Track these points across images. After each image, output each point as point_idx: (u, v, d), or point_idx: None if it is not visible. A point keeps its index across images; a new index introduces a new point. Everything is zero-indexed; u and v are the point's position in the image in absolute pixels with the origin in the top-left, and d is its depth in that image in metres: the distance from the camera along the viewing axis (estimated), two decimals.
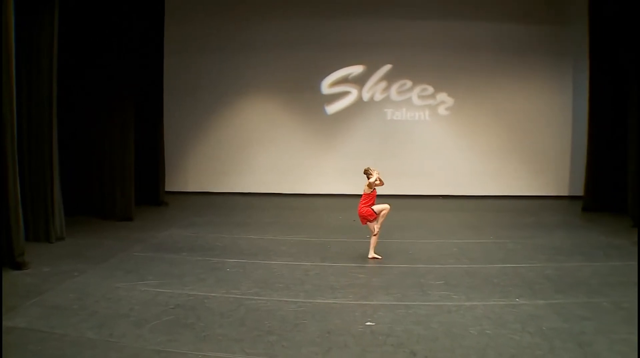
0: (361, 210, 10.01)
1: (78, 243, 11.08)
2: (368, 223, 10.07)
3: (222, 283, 8.46)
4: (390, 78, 18.82)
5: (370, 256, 9.98)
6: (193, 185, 19.11)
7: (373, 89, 18.85)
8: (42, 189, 11.04)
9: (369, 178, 9.99)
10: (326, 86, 18.87)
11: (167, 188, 17.38)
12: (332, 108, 18.97)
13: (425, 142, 18.80)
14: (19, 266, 8.99)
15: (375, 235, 10.04)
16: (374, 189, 10.05)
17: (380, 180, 9.99)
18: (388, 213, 10.09)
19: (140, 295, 7.84)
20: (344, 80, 18.87)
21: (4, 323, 6.38)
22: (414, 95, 18.82)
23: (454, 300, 7.67)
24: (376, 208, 9.98)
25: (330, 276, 8.96)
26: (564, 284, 8.47)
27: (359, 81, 18.89)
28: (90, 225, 13.01)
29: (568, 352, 5.95)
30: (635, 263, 9.59)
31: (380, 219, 10.02)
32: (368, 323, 6.75)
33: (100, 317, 6.94)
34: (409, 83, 18.81)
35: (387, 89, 18.83)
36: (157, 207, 15.88)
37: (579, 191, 16.88)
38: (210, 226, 13.18)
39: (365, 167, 10.22)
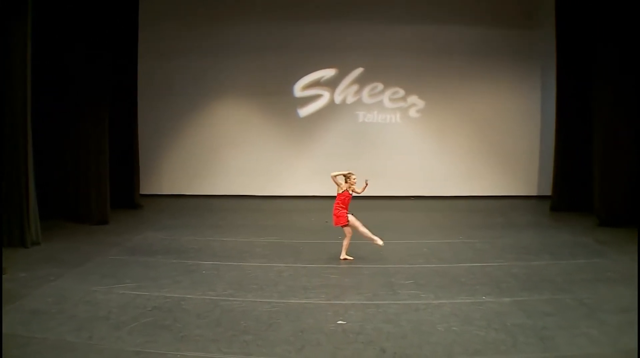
0: (335, 211, 10.27)
1: (54, 247, 11.15)
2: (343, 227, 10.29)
3: (198, 285, 8.64)
4: (362, 81, 18.99)
5: (342, 257, 10.22)
6: (167, 188, 19.11)
7: (345, 92, 19.04)
8: (17, 195, 11.04)
9: (346, 181, 10.35)
10: (299, 88, 19.06)
11: (142, 191, 17.39)
12: (304, 111, 19.13)
13: (396, 144, 18.94)
14: None
15: (348, 238, 10.26)
16: (346, 190, 10.30)
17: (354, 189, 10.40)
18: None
19: (117, 298, 7.98)
20: (316, 83, 19.04)
21: None
22: (386, 98, 19.03)
23: (423, 299, 7.95)
24: (353, 220, 10.29)
25: (303, 277, 9.18)
26: (530, 282, 8.80)
27: (331, 84, 19.06)
28: (66, 229, 13.03)
29: (530, 346, 6.27)
30: (600, 261, 10.10)
31: (353, 231, 10.33)
32: (340, 322, 7.01)
33: (79, 320, 7.07)
34: (380, 86, 19.00)
35: (359, 92, 19.01)
36: (132, 210, 15.90)
37: (547, 191, 17.18)
38: (185, 229, 13.29)
39: (350, 172, 10.56)
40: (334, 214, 10.28)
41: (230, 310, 7.48)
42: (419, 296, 8.08)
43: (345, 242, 10.26)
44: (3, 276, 8.74)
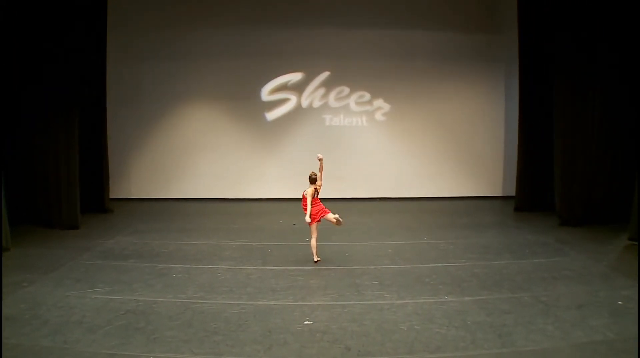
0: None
1: (25, 253, 11.18)
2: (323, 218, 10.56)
3: (169, 288, 8.84)
4: (328, 85, 19.21)
5: (317, 259, 10.43)
6: (137, 191, 19.12)
7: (312, 95, 19.24)
8: None
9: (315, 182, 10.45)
10: (266, 92, 19.20)
11: (112, 195, 17.30)
12: (272, 114, 19.28)
13: (363, 147, 19.21)
14: None
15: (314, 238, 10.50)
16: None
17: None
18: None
19: (91, 302, 8.13)
20: (284, 87, 19.20)
21: None
22: (352, 101, 19.26)
23: (387, 299, 8.26)
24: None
25: (271, 278, 9.42)
26: (490, 281, 9.16)
27: (298, 88, 19.21)
28: (36, 234, 13.04)
29: (488, 342, 6.64)
30: (559, 260, 10.50)
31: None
32: (306, 322, 7.31)
33: (53, 325, 7.22)
34: (346, 90, 19.22)
35: (325, 95, 19.23)
36: (102, 214, 15.85)
37: (512, 192, 17.48)
38: (156, 233, 13.38)
39: (312, 172, 10.60)
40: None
41: (201, 312, 7.71)
42: (383, 296, 8.39)
43: (315, 242, 10.47)
44: None
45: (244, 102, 19.08)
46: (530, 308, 7.81)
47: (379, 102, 19.29)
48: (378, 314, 7.61)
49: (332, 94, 19.20)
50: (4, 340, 6.61)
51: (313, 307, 7.93)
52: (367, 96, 19.28)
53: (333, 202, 17.86)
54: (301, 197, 10.41)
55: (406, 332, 6.95)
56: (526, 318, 7.39)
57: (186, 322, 7.34)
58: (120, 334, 6.92)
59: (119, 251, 11.45)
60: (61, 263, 10.39)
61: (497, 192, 19.37)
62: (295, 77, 19.16)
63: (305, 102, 19.25)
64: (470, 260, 10.64)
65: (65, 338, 6.80)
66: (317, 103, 19.25)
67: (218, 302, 8.16)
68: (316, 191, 10.38)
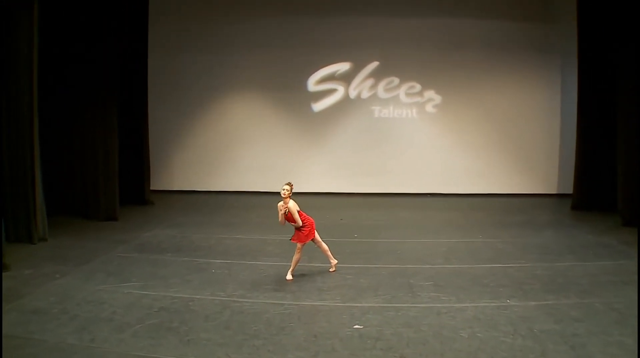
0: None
1: (61, 244, 10.93)
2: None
3: (208, 285, 8.33)
4: (377, 75, 18.65)
5: (290, 277, 8.83)
6: (179, 184, 18.90)
7: (360, 86, 18.71)
8: (24, 190, 10.90)
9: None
10: (313, 83, 18.78)
11: (153, 187, 17.14)
12: (318, 106, 18.83)
13: (412, 140, 18.63)
14: None
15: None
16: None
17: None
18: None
19: (123, 297, 7.70)
20: (331, 77, 18.73)
21: None
22: (402, 92, 18.68)
23: (444, 302, 7.56)
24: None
25: (317, 277, 8.85)
26: (554, 284, 8.37)
27: (346, 79, 18.73)
28: (74, 225, 12.82)
29: (561, 354, 5.86)
30: (626, 263, 9.57)
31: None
32: (356, 327, 6.62)
33: (81, 321, 6.79)
34: (396, 80, 18.66)
35: (374, 86, 18.68)
36: (142, 206, 15.68)
37: (568, 189, 16.78)
38: (196, 226, 13.01)
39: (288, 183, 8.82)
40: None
41: (240, 312, 7.15)
42: (439, 298, 7.70)
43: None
44: (7, 273, 8.66)
45: (289, 93, 18.71)
46: (603, 316, 6.98)
47: (430, 93, 18.69)
48: (435, 319, 6.90)
49: (382, 85, 18.66)
50: (29, 335, 6.30)
51: (363, 309, 7.25)
52: (418, 87, 18.69)
53: (380, 197, 17.64)
54: (282, 211, 8.67)
55: (467, 340, 6.22)
56: (600, 327, 6.57)
57: (224, 323, 6.76)
58: (151, 334, 6.38)
59: (156, 245, 11.08)
60: (95, 255, 10.08)
61: (552, 189, 18.53)
62: (343, 67, 18.68)
63: (353, 93, 18.76)
64: (530, 260, 9.88)
65: (92, 336, 6.34)
66: (365, 94, 18.74)
67: (259, 302, 7.58)
68: None
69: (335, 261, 9.20)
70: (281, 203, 8.62)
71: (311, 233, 8.84)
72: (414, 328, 6.55)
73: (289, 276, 8.73)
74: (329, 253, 9.18)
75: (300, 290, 8.15)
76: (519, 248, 10.84)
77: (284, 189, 8.62)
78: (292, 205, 8.64)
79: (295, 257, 8.78)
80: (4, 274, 8.59)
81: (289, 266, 8.85)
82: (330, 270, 9.13)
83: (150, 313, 7.07)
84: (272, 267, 9.37)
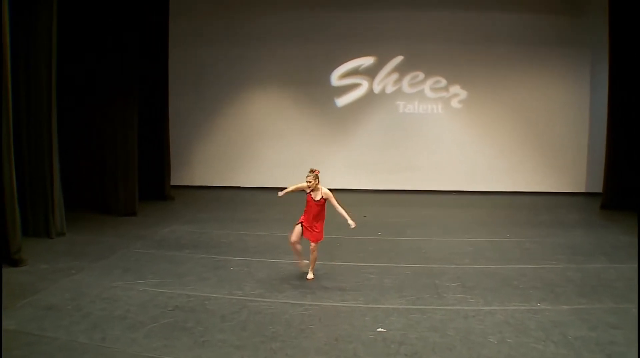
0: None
1: (78, 239, 10.81)
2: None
3: (225, 283, 8.08)
4: (402, 70, 18.31)
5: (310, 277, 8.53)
6: (200, 179, 18.72)
7: (384, 81, 18.37)
8: (42, 184, 10.82)
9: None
10: (336, 77, 18.48)
11: (174, 182, 17.03)
12: (342, 101, 18.52)
13: (438, 136, 18.31)
14: (15, 263, 8.77)
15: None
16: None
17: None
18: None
19: (138, 295, 7.49)
20: (355, 72, 18.39)
21: None
22: (427, 87, 18.33)
23: (472, 304, 7.22)
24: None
25: (339, 276, 8.54)
26: (587, 287, 7.99)
27: (370, 73, 18.40)
28: (93, 220, 12.68)
29: None
30: None
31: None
32: (379, 330, 6.31)
33: (94, 318, 6.60)
34: (421, 75, 18.29)
35: (399, 81, 18.33)
36: (162, 202, 15.53)
37: (596, 188, 16.47)
38: (216, 222, 12.78)
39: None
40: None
41: (258, 312, 6.87)
42: (467, 301, 7.35)
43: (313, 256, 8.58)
44: (23, 267, 8.70)
45: (312, 88, 18.45)
46: None
47: (455, 88, 18.31)
48: (462, 322, 6.55)
49: (406, 80, 18.33)
50: (41, 332, 6.14)
51: (387, 311, 6.92)
52: (443, 82, 18.32)
53: (404, 194, 17.31)
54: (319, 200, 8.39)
55: (497, 346, 5.87)
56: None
57: (241, 324, 6.47)
58: (165, 334, 6.14)
59: (174, 241, 10.86)
60: (113, 251, 9.91)
61: (580, 188, 18.11)
62: (367, 61, 18.37)
63: (377, 88, 18.44)
64: (561, 261, 9.49)
65: (104, 334, 6.13)
66: (390, 89, 18.41)
67: (279, 301, 7.29)
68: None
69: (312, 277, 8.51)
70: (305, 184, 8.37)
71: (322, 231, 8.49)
72: (440, 333, 6.21)
73: (310, 276, 8.43)
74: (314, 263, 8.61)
75: (321, 289, 7.87)
76: (548, 248, 10.44)
77: (308, 178, 8.37)
78: (327, 192, 8.45)
79: (314, 255, 8.45)
80: (20, 269, 8.62)
81: (309, 266, 8.57)
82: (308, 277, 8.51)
83: (165, 312, 6.83)
84: (292, 265, 9.07)
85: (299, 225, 8.42)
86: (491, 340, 6.02)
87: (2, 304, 6.54)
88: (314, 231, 8.35)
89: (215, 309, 6.96)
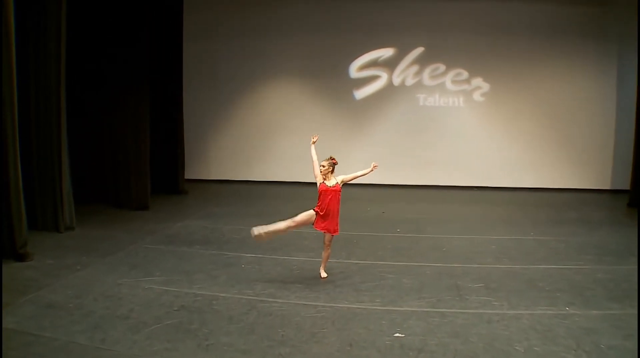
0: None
1: (88, 233, 10.58)
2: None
3: (235, 282, 7.73)
4: (422, 62, 17.96)
5: (324, 275, 8.09)
6: (215, 173, 18.55)
7: (404, 73, 18.01)
8: (50, 178, 10.66)
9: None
10: (355, 69, 18.16)
11: (189, 176, 16.93)
12: (361, 93, 18.20)
13: (459, 130, 17.93)
14: (21, 258, 8.59)
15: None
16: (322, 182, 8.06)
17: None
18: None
19: (143, 293, 7.19)
20: (374, 63, 18.05)
21: None
22: (448, 80, 17.96)
23: (496, 307, 6.77)
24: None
25: (355, 275, 8.13)
26: (618, 291, 7.48)
27: (390, 65, 18.05)
28: (104, 214, 12.47)
29: None
30: None
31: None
32: (397, 335, 5.90)
33: (95, 318, 6.32)
34: (442, 67, 17.93)
35: (419, 73, 17.98)
36: (176, 196, 15.36)
37: (623, 185, 16.10)
38: (230, 217, 12.47)
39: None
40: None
41: (268, 314, 6.48)
42: (490, 303, 6.89)
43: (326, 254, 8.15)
44: (29, 262, 8.50)
45: (330, 80, 18.15)
46: None
47: (477, 81, 17.90)
48: (486, 327, 6.11)
49: (427, 72, 17.96)
50: (40, 332, 5.87)
51: (405, 315, 6.49)
52: (465, 74, 17.92)
53: (424, 189, 16.90)
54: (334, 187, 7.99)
55: (524, 354, 5.43)
56: None
57: (248, 326, 6.09)
58: (168, 336, 5.79)
59: (185, 236, 10.55)
60: (121, 246, 9.62)
61: (605, 185, 17.63)
62: (386, 53, 18.01)
63: (397, 80, 18.09)
64: (588, 262, 9.00)
65: (104, 335, 5.81)
66: (409, 81, 18.06)
67: (290, 302, 6.90)
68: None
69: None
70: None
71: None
72: (462, 339, 5.78)
73: (323, 274, 8.02)
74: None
75: (336, 290, 7.45)
76: (574, 248, 9.96)
77: (322, 162, 8.07)
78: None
79: (328, 252, 8.04)
80: (26, 264, 8.41)
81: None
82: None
83: (170, 312, 6.49)
84: (306, 263, 8.71)
85: (308, 213, 7.87)
86: (517, 348, 5.58)
87: (2, 301, 6.35)
88: (328, 220, 7.82)
89: (223, 310, 6.60)
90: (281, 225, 7.86)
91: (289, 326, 6.10)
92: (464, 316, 6.46)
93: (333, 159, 8.12)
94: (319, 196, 7.90)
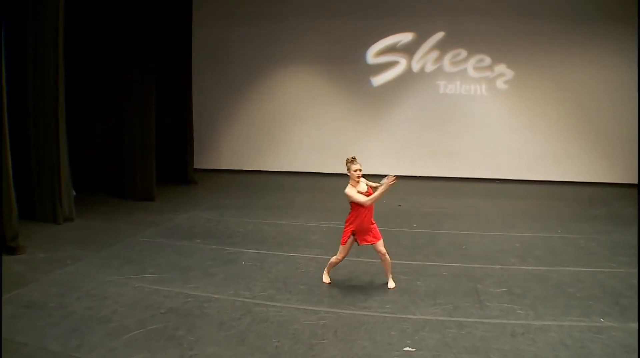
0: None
1: (87, 225, 10.28)
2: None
3: (233, 281, 7.18)
4: (443, 47, 17.22)
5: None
6: (227, 163, 18.09)
7: (424, 59, 17.32)
8: (49, 168, 10.45)
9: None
10: (372, 55, 17.55)
11: (200, 166, 16.61)
12: (378, 80, 17.53)
13: (481, 119, 17.26)
14: (12, 251, 8.34)
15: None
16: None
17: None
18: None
19: (131, 292, 6.71)
20: (392, 49, 17.36)
21: None
22: (470, 66, 17.22)
23: (520, 317, 6.07)
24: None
25: (364, 276, 7.50)
26: None
27: (409, 50, 17.37)
28: (107, 205, 12.12)
29: None
30: None
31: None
32: (407, 348, 5.24)
33: (75, 320, 5.86)
34: (463, 53, 17.21)
35: (439, 59, 17.27)
36: (184, 186, 14.96)
37: None
38: (237, 209, 11.97)
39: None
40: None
41: (263, 320, 5.89)
42: (514, 312, 6.19)
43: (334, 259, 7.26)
44: (20, 256, 8.23)
45: (346, 66, 17.52)
46: None
47: (500, 68, 17.15)
48: (509, 341, 5.41)
49: (447, 58, 17.25)
50: (11, 336, 5.41)
51: (418, 324, 5.83)
52: (488, 60, 17.17)
53: (443, 181, 16.24)
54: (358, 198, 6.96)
55: None
56: None
57: (239, 334, 5.49)
58: (149, 344, 5.23)
59: (187, 229, 10.05)
60: (119, 239, 9.20)
61: (635, 179, 16.63)
62: (405, 37, 17.33)
63: (416, 67, 17.41)
64: (623, 264, 8.22)
65: (80, 341, 5.33)
66: (429, 68, 17.36)
67: (289, 306, 6.29)
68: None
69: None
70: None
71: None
72: (482, 355, 5.10)
73: (391, 284, 7.08)
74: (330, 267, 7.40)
75: (342, 293, 6.82)
76: (606, 248, 9.22)
77: (355, 166, 7.23)
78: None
79: (387, 260, 7.05)
80: (16, 257, 8.11)
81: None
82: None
83: (156, 315, 5.94)
84: (312, 261, 8.10)
85: (350, 238, 6.95)
86: None
87: None
88: (372, 231, 6.93)
89: (214, 313, 6.04)
90: (333, 259, 7.16)
91: (285, 335, 5.49)
92: (484, 327, 5.77)
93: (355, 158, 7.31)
94: (351, 209, 7.01)
